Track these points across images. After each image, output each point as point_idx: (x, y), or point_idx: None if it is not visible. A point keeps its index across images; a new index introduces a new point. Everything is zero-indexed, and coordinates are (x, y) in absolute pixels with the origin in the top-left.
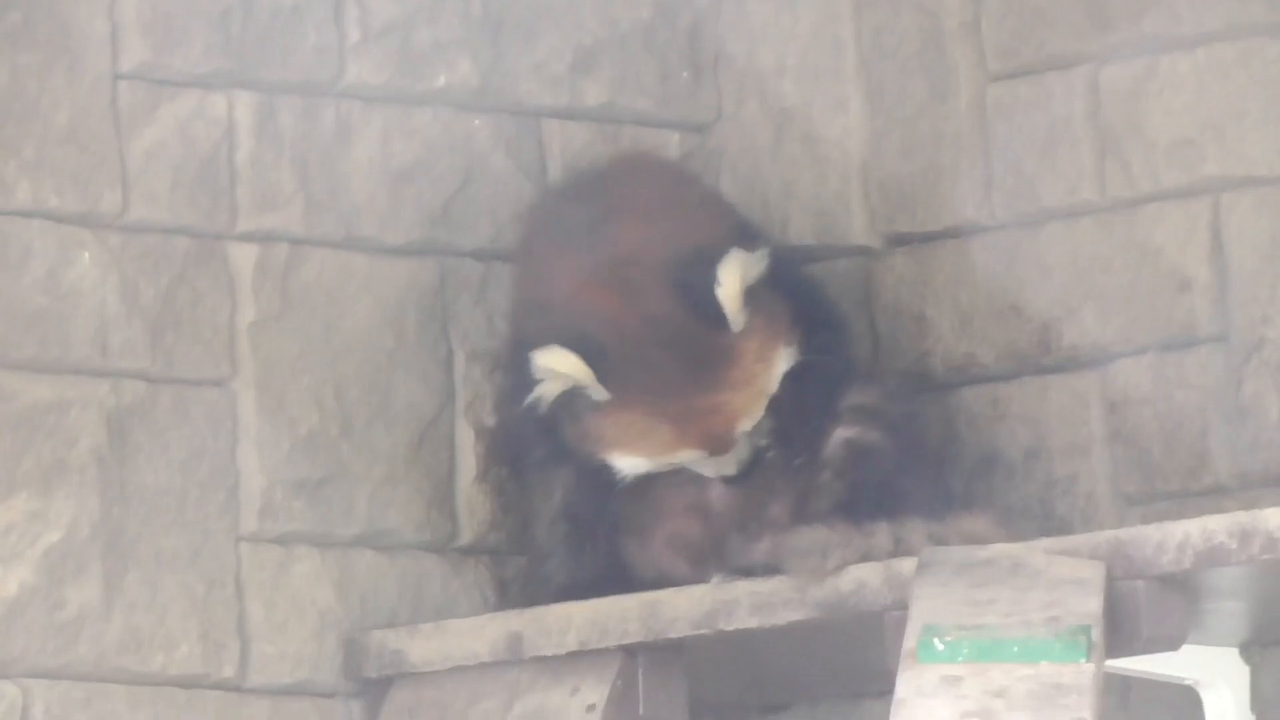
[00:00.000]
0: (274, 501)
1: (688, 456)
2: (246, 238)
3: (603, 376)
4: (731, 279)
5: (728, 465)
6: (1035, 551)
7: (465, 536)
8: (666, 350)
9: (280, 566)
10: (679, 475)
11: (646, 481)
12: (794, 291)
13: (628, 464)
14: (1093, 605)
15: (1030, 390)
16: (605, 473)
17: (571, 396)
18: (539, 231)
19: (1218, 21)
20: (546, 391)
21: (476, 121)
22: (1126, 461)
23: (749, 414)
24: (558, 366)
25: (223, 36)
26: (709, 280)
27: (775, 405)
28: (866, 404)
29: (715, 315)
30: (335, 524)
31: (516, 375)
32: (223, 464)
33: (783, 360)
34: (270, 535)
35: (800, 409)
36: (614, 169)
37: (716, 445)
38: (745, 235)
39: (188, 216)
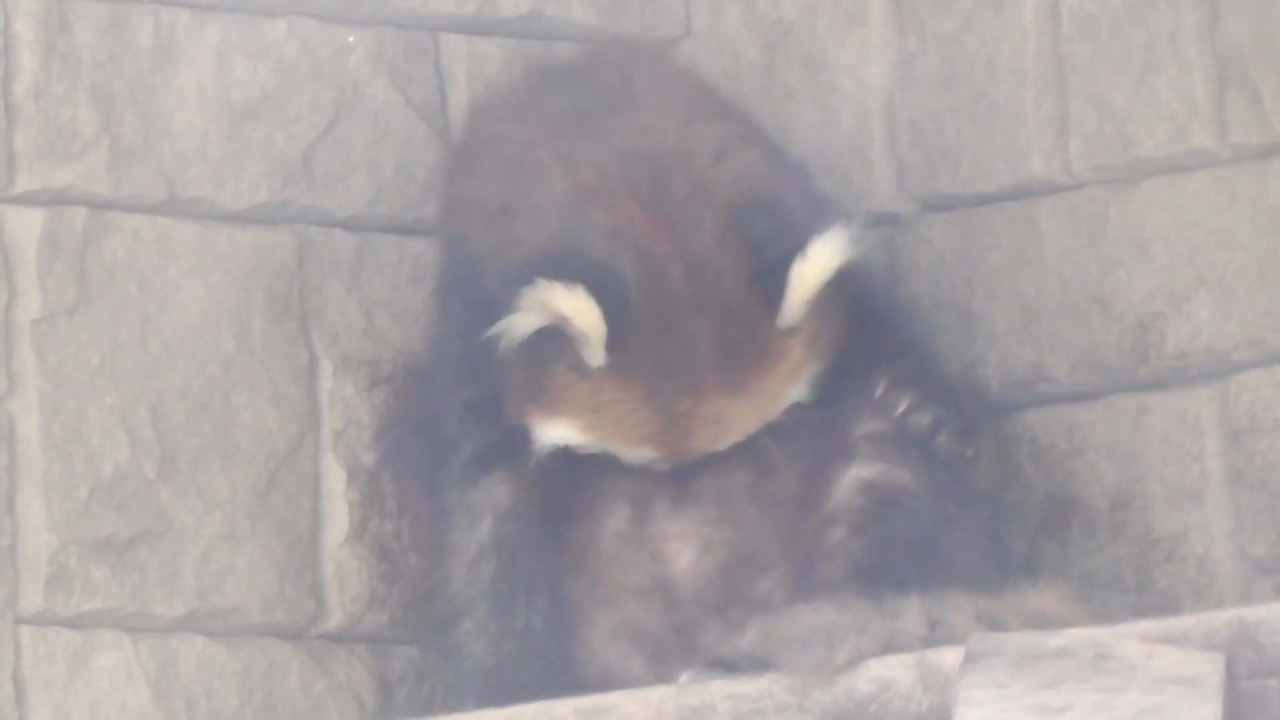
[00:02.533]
0: (66, 569)
1: (643, 456)
2: (28, 200)
3: (613, 337)
4: (817, 266)
5: (668, 462)
6: (1128, 638)
7: (334, 618)
8: (704, 323)
9: (76, 659)
10: (633, 536)
11: (585, 545)
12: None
13: (557, 435)
14: (1208, 712)
15: (1120, 414)
16: (556, 478)
17: (544, 338)
18: (511, 107)
19: None
20: (518, 327)
21: (350, 37)
22: (1255, 512)
23: (744, 433)
24: (562, 309)
25: None
26: (788, 251)
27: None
28: (891, 432)
29: (774, 297)
30: (152, 600)
31: (464, 312)
32: None
33: (804, 383)
34: (62, 616)
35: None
36: (602, 58)
37: (687, 456)
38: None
39: None
